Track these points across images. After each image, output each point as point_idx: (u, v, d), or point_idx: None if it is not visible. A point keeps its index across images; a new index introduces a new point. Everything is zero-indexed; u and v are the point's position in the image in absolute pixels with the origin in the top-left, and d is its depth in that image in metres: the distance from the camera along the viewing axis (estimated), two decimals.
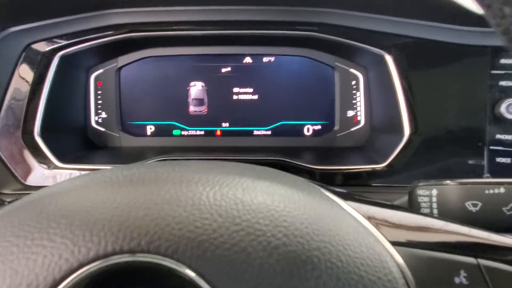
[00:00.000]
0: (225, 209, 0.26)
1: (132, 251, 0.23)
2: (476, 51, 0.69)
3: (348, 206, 0.33)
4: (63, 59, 0.73)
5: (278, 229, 0.25)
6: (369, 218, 0.32)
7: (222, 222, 0.25)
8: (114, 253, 0.23)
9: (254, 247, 0.24)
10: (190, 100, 0.85)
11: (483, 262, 0.28)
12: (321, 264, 0.24)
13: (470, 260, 0.28)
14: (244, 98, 0.85)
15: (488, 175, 0.67)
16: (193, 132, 0.86)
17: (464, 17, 0.66)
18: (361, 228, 0.29)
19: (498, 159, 0.69)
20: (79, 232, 0.24)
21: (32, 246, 0.24)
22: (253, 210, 0.26)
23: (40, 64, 0.71)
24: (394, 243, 0.30)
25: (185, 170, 0.31)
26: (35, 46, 0.71)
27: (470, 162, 0.69)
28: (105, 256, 0.23)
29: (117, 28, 0.73)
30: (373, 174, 0.72)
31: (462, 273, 0.28)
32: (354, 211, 0.32)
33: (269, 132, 0.86)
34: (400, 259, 0.28)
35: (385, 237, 0.30)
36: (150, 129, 0.86)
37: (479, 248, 0.30)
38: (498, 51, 0.68)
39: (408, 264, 0.28)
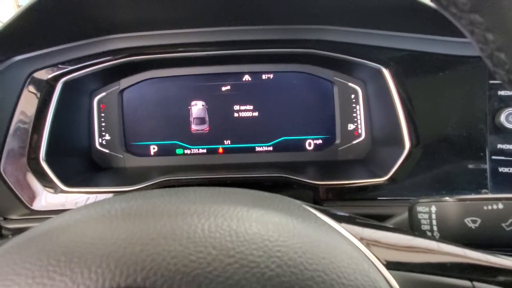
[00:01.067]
0: (219, 241, 0.26)
1: None
2: (473, 61, 0.69)
3: (342, 229, 0.33)
4: (66, 84, 0.75)
5: (272, 260, 0.26)
6: (362, 240, 0.32)
7: (216, 255, 0.25)
8: None
9: (248, 279, 0.25)
10: (191, 119, 0.86)
11: (478, 285, 0.28)
12: None
13: (466, 283, 0.28)
14: (245, 115, 0.86)
15: (487, 190, 0.67)
16: (195, 151, 0.87)
17: (458, 29, 0.66)
18: (356, 252, 0.30)
19: (501, 169, 0.68)
20: (78, 270, 0.25)
21: (33, 284, 0.25)
22: (247, 241, 0.27)
23: (44, 90, 0.73)
24: (389, 267, 0.30)
25: (182, 200, 0.32)
26: (39, 74, 0.73)
27: (472, 173, 0.69)
28: None
29: (118, 52, 0.75)
30: (375, 187, 0.72)
31: None
32: (349, 234, 0.33)
33: (270, 148, 0.87)
34: (395, 284, 0.28)
35: (380, 261, 0.30)
36: (153, 149, 0.87)
37: (474, 271, 0.30)
38: None
39: None
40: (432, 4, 0.62)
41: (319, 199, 0.73)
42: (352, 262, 0.28)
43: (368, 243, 0.32)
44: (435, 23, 0.68)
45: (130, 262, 0.25)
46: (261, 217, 0.30)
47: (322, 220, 0.34)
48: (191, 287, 0.24)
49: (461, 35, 0.70)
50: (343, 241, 0.31)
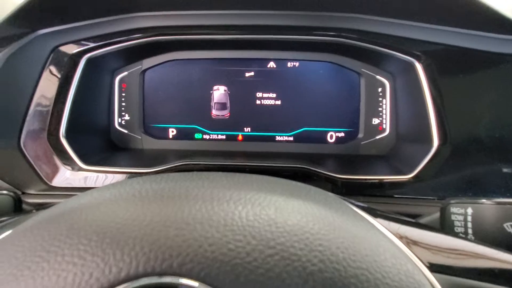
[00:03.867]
0: (259, 231, 0.25)
1: (163, 273, 0.23)
2: (509, 59, 0.66)
3: (381, 226, 0.31)
4: (89, 61, 0.74)
5: (314, 254, 0.24)
6: (401, 238, 0.31)
7: (256, 245, 0.24)
8: (145, 274, 0.23)
9: (289, 273, 0.23)
10: (212, 104, 0.84)
11: None
12: None
13: None
14: (267, 103, 0.84)
15: None
16: (214, 136, 0.86)
17: (498, 24, 0.63)
18: (398, 252, 0.28)
19: None
20: (110, 251, 0.24)
21: (63, 262, 0.24)
22: (287, 233, 0.25)
23: (66, 66, 0.72)
24: (433, 269, 0.28)
25: (215, 185, 0.30)
26: (63, 49, 0.72)
27: (503, 176, 0.66)
28: (136, 277, 0.23)
29: (143, 31, 0.73)
30: (398, 184, 0.70)
31: None
32: (388, 232, 0.31)
33: (291, 138, 0.85)
34: None
35: (422, 262, 0.29)
36: (172, 132, 0.86)
37: None
38: None
39: None
40: None
41: (338, 193, 0.71)
42: (396, 262, 0.26)
43: (408, 242, 0.30)
44: (473, 17, 0.65)
45: (165, 246, 0.24)
46: (299, 207, 0.28)
47: (360, 214, 0.32)
48: (229, 277, 0.23)
49: (500, 31, 0.67)
50: (384, 239, 0.29)
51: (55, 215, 0.29)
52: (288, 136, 0.85)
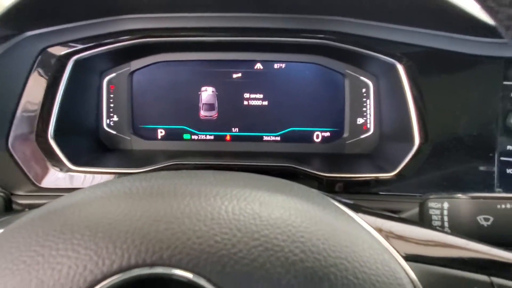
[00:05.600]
0: (244, 224, 0.26)
1: (154, 264, 0.24)
2: (488, 62, 0.69)
3: (361, 220, 0.33)
4: (77, 63, 0.74)
5: (296, 245, 0.26)
6: (381, 231, 0.33)
7: (241, 237, 0.25)
8: (136, 265, 0.24)
9: (272, 263, 0.25)
10: (201, 105, 0.86)
11: (496, 280, 0.28)
12: (337, 281, 0.25)
13: (484, 278, 0.28)
14: (254, 103, 0.85)
15: (500, 189, 0.67)
16: (203, 137, 0.87)
17: (477, 27, 0.66)
18: (376, 243, 0.30)
19: (509, 170, 0.69)
20: (103, 244, 0.25)
21: (57, 256, 0.25)
22: (271, 225, 0.27)
23: (54, 68, 0.72)
24: (408, 259, 0.30)
25: (202, 182, 0.32)
26: (51, 50, 0.72)
27: (481, 173, 0.69)
28: (128, 268, 0.24)
29: (131, 33, 0.74)
30: (382, 182, 0.72)
31: None
32: (368, 225, 0.33)
33: (278, 138, 0.86)
34: (414, 276, 0.28)
35: (398, 252, 0.31)
36: (160, 132, 0.87)
37: (493, 266, 0.30)
38: (511, 63, 0.68)
39: (422, 281, 0.28)
40: (451, 1, 0.61)
41: (325, 191, 0.73)
42: (373, 253, 0.28)
43: (387, 235, 0.32)
44: (449, 20, 0.68)
45: (155, 239, 0.25)
46: (282, 202, 0.30)
47: (341, 209, 0.34)
48: (216, 267, 0.24)
49: (475, 34, 0.70)
50: (363, 232, 0.31)
51: (48, 212, 0.30)
52: (275, 136, 0.86)
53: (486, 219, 0.42)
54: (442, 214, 0.44)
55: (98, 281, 0.24)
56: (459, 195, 0.44)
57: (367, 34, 0.73)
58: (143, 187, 0.31)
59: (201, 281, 0.24)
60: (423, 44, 0.72)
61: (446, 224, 0.44)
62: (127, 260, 0.24)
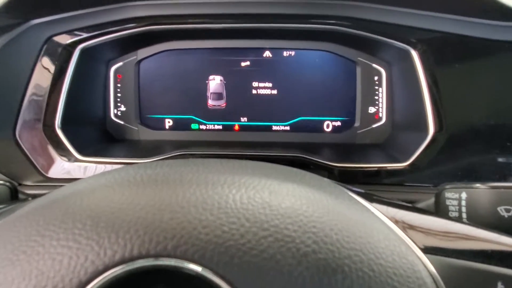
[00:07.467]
0: (253, 213, 0.25)
1: (158, 255, 0.23)
2: (507, 47, 0.66)
3: (376, 210, 0.32)
4: (83, 52, 0.73)
5: (307, 236, 0.24)
6: (397, 222, 0.31)
7: (249, 227, 0.24)
8: (140, 256, 0.23)
9: (283, 254, 0.23)
10: (208, 94, 0.84)
11: None
12: (352, 274, 0.23)
13: (508, 271, 0.27)
14: (263, 92, 0.83)
15: None
16: (211, 127, 0.85)
17: (495, 11, 0.63)
18: (392, 234, 0.28)
19: None
20: (105, 234, 0.24)
21: (58, 246, 0.24)
22: (281, 215, 0.25)
23: (61, 57, 0.71)
24: (426, 251, 0.28)
25: (209, 170, 0.30)
26: (57, 39, 0.71)
27: (497, 163, 0.66)
28: (131, 259, 0.23)
29: (138, 20, 0.73)
30: (394, 172, 0.70)
31: (500, 285, 0.26)
32: (383, 216, 0.31)
33: (287, 128, 0.85)
34: (433, 269, 0.27)
35: (416, 244, 0.29)
36: (168, 122, 0.86)
37: None
38: None
39: (441, 275, 0.27)
40: None
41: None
42: (390, 244, 0.26)
43: (404, 226, 0.30)
44: (470, 3, 0.65)
45: (159, 229, 0.24)
46: (293, 191, 0.29)
47: (355, 198, 0.32)
48: (224, 258, 0.23)
49: (498, 18, 0.67)
50: (378, 222, 0.29)
51: (50, 201, 0.29)
52: (285, 125, 0.85)
53: (507, 210, 0.40)
54: (460, 205, 0.42)
55: (100, 272, 0.23)
56: (478, 184, 0.42)
57: (380, 19, 0.71)
58: (147, 175, 0.29)
59: (207, 273, 0.22)
60: (439, 29, 0.69)
61: (464, 215, 0.42)
62: (130, 250, 0.23)
